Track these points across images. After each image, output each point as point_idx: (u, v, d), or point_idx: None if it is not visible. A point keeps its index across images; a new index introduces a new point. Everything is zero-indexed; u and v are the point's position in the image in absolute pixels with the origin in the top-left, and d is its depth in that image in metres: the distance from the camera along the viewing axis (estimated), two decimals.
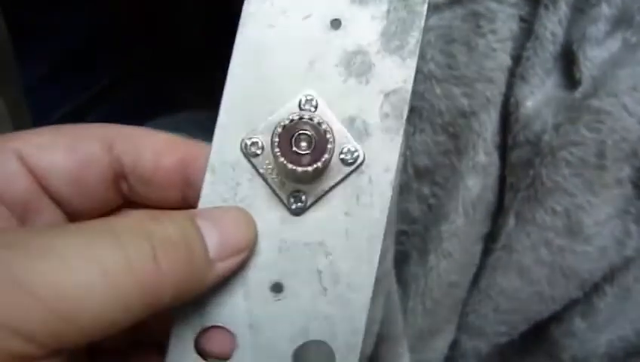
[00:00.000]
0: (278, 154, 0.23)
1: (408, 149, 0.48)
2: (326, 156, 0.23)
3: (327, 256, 0.25)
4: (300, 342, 0.25)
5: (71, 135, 0.25)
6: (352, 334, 0.25)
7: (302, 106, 0.24)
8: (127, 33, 0.84)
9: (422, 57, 0.45)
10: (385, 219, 0.25)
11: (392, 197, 0.25)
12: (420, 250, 0.51)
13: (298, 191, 0.25)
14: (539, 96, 0.43)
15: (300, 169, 0.23)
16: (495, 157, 0.47)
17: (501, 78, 0.44)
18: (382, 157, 0.25)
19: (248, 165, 0.25)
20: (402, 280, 0.52)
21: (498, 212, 0.49)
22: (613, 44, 0.41)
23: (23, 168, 0.24)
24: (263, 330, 0.25)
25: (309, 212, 0.25)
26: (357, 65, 0.25)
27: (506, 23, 0.42)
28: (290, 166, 0.23)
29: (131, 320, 0.20)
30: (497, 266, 0.48)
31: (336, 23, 0.25)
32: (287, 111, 0.24)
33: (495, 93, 0.44)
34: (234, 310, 0.25)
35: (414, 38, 0.25)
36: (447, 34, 0.43)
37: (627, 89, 0.40)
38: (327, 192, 0.25)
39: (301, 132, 0.23)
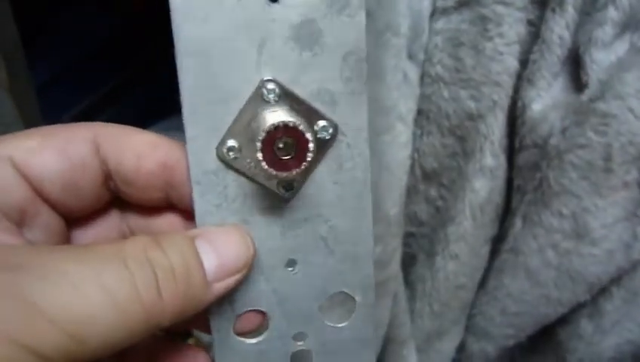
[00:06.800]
0: (266, 167, 0.22)
1: (415, 152, 0.48)
2: (309, 154, 0.22)
3: (326, 223, 0.26)
4: (323, 299, 0.27)
5: (60, 137, 0.25)
6: (364, 278, 0.27)
7: (265, 98, 0.23)
8: (139, 35, 0.84)
9: (429, 60, 0.45)
10: (369, 174, 0.26)
11: (369, 152, 0.26)
12: (427, 252, 0.51)
13: (286, 178, 0.24)
14: (546, 99, 0.43)
15: (289, 175, 0.23)
16: (502, 160, 0.47)
17: (508, 81, 0.44)
18: (353, 120, 0.25)
19: (230, 169, 0.25)
20: (409, 282, 0.52)
21: (505, 214, 0.49)
22: (621, 48, 0.41)
23: (18, 175, 0.24)
24: (290, 301, 0.27)
25: (300, 192, 0.26)
26: (307, 36, 0.23)
27: (513, 27, 0.42)
28: (280, 174, 0.23)
29: (134, 341, 0.22)
30: (504, 268, 0.48)
31: None
32: (253, 107, 0.23)
33: (502, 96, 0.44)
34: (260, 294, 0.27)
35: None
36: (454, 37, 0.44)
37: (634, 92, 0.40)
38: (312, 171, 0.25)
39: (281, 138, 0.22)
